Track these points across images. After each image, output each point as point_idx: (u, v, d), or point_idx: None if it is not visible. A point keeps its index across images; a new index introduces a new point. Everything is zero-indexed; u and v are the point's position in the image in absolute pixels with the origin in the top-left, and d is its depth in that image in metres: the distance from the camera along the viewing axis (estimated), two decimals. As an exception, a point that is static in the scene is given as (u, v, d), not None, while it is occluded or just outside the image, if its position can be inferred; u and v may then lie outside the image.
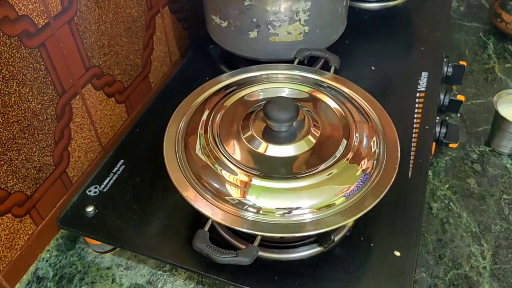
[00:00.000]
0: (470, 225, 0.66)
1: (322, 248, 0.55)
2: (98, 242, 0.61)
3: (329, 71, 0.65)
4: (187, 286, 0.60)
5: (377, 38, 0.86)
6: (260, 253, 0.54)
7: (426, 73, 0.78)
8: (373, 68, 0.80)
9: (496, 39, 0.97)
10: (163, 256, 0.55)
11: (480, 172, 0.73)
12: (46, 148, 0.60)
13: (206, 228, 0.45)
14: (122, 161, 0.66)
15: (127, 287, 0.60)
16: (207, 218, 0.47)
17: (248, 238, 0.55)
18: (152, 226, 0.58)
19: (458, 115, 0.83)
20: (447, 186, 0.71)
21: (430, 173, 0.73)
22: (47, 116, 0.59)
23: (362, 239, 0.56)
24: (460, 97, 0.78)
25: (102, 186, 0.63)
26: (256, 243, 0.44)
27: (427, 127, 0.70)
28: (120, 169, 0.65)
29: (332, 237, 0.53)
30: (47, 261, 0.62)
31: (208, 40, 0.81)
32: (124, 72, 0.73)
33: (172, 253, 0.55)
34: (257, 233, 0.45)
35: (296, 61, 0.66)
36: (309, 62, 0.70)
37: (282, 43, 0.70)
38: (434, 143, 0.71)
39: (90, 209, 0.60)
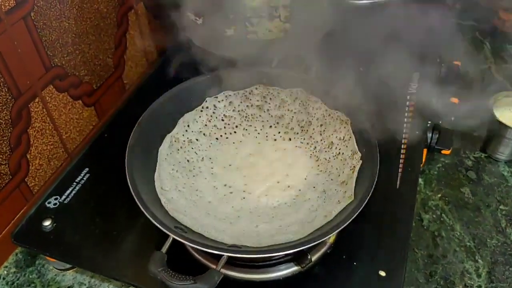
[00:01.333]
0: (464, 238, 0.61)
1: (299, 267, 0.49)
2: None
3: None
4: (155, 307, 0.54)
5: (366, 36, 0.81)
6: (232, 273, 0.49)
7: (418, 73, 0.73)
8: (361, 69, 0.75)
9: (493, 38, 0.92)
10: (126, 278, 0.50)
11: (475, 180, 0.68)
12: (0, 156, 0.55)
13: (164, 249, 0.40)
14: (87, 169, 0.61)
15: (89, 309, 0.55)
16: (167, 236, 0.42)
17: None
18: (115, 243, 0.53)
19: (452, 118, 0.77)
20: (439, 195, 0.66)
21: (421, 181, 0.68)
22: (0, 121, 0.54)
23: (344, 257, 0.51)
24: (454, 100, 0.73)
25: (63, 197, 0.58)
26: (220, 266, 0.39)
27: (417, 132, 0.65)
28: (84, 178, 0.60)
29: (309, 257, 0.48)
30: (4, 278, 0.57)
31: (186, 38, 0.75)
32: (92, 73, 0.68)
33: (136, 274, 0.50)
34: (221, 253, 0.40)
35: (275, 61, 0.61)
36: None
37: (261, 41, 0.65)
38: (425, 150, 0.66)
39: (47, 223, 0.54)
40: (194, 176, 0.56)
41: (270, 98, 0.61)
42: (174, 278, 0.37)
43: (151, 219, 0.42)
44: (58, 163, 0.65)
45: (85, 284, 0.57)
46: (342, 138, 0.56)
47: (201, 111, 0.61)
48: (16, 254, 0.59)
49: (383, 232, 0.53)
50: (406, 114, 0.67)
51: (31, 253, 0.59)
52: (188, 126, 0.59)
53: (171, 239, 0.41)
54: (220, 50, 0.68)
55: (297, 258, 0.49)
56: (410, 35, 0.78)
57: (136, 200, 0.44)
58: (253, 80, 0.61)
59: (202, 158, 0.58)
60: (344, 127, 0.56)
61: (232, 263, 0.48)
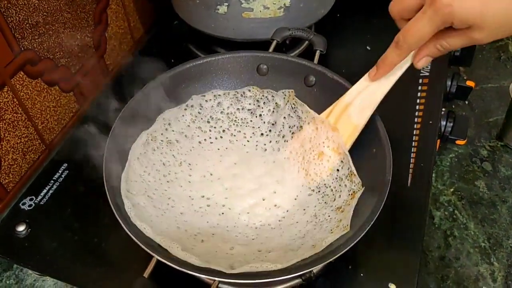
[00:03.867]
0: (478, 238, 0.56)
1: (300, 279, 0.45)
2: (37, 264, 0.51)
3: (313, 56, 0.53)
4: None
5: (374, 12, 0.74)
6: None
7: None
8: (368, 48, 0.68)
9: None
10: (106, 290, 0.45)
11: (491, 172, 0.63)
12: (-35, 154, 0.49)
13: (147, 273, 0.35)
14: (65, 165, 0.56)
15: (70, 319, 0.50)
16: (151, 257, 0.37)
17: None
18: (95, 252, 0.48)
19: (466, 102, 0.71)
20: (452, 190, 0.61)
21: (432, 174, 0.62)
22: (-38, 115, 0.48)
23: (350, 267, 0.46)
24: (470, 83, 0.66)
25: (39, 197, 0.52)
26: (210, 293, 0.34)
27: (431, 122, 0.59)
28: (63, 176, 0.55)
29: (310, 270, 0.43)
30: (-22, 284, 0.53)
31: (175, 15, 0.68)
32: (69, 55, 0.61)
33: (120, 287, 0.45)
34: (213, 278, 0.35)
35: (274, 44, 0.54)
36: (291, 44, 0.58)
37: (258, 20, 0.58)
38: (438, 140, 0.60)
39: (21, 228, 0.49)
40: (168, 182, 0.48)
41: (264, 102, 0.54)
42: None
43: (133, 238, 0.36)
44: (34, 156, 0.59)
45: (66, 292, 0.52)
46: (335, 149, 0.48)
47: (185, 109, 0.53)
48: (-8, 258, 0.55)
49: (393, 239, 0.48)
50: (418, 101, 0.61)
51: (7, 257, 0.54)
52: (169, 124, 0.52)
53: (155, 260, 0.35)
54: (211, 29, 0.61)
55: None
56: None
57: (117, 216, 0.38)
58: (248, 66, 0.53)
59: (180, 163, 0.50)
60: (337, 136, 0.48)
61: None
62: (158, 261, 0.36)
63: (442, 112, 0.61)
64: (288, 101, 0.52)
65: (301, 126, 0.51)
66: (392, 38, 0.42)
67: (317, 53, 0.53)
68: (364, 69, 0.50)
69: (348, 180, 0.46)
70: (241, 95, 0.54)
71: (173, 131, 0.51)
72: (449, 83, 0.66)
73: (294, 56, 0.58)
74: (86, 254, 0.48)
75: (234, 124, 0.54)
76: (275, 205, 0.47)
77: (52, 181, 0.54)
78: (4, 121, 0.53)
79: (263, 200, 0.48)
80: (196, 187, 0.49)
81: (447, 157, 0.65)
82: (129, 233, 0.37)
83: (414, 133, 0.58)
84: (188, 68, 0.53)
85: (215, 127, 0.53)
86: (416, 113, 0.60)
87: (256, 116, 0.54)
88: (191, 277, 0.44)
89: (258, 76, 0.53)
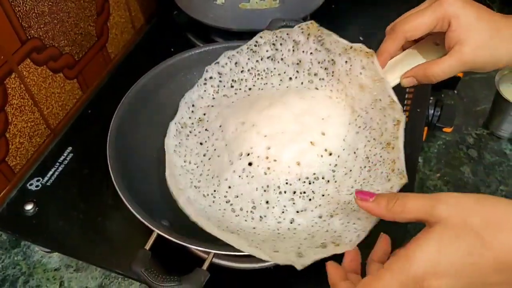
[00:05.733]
0: (461, 221, 0.59)
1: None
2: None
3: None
4: (144, 291, 0.53)
5: (367, 3, 0.76)
6: (222, 262, 0.47)
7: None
8: (361, 38, 0.71)
9: (501, 5, 0.87)
10: (111, 266, 0.48)
11: (476, 159, 0.66)
12: (-24, 137, 0.52)
13: (148, 246, 0.38)
14: (70, 148, 0.58)
15: (76, 292, 0.54)
16: (151, 231, 0.40)
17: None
18: (100, 229, 0.51)
19: (455, 92, 0.74)
20: (438, 175, 0.64)
21: (420, 159, 0.65)
22: (-27, 100, 0.50)
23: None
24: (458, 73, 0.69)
25: (46, 178, 0.55)
26: (206, 265, 0.37)
27: (419, 110, 0.61)
28: (68, 158, 0.57)
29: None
30: (-12, 261, 0.56)
31: (174, 5, 0.70)
32: (73, 43, 0.63)
33: (122, 261, 0.48)
34: (208, 250, 0.38)
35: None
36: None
37: (254, 10, 0.60)
38: (425, 128, 0.63)
39: (29, 207, 0.52)
40: (209, 159, 0.45)
41: (281, 44, 0.49)
42: (158, 279, 0.35)
43: (133, 211, 0.39)
44: (40, 140, 0.62)
45: (72, 267, 0.55)
46: (372, 77, 0.42)
47: (205, 84, 0.52)
48: (1, 235, 0.58)
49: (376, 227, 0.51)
50: (406, 90, 0.63)
51: (15, 235, 0.57)
52: (193, 105, 0.51)
53: (155, 234, 0.38)
54: (210, 19, 0.63)
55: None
56: None
57: (118, 189, 0.41)
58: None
59: (213, 133, 0.47)
60: (372, 63, 0.42)
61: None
62: (158, 235, 0.39)
63: (430, 101, 0.64)
64: (309, 34, 0.47)
65: (332, 60, 0.46)
66: (384, 29, 0.44)
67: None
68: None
69: (390, 108, 0.41)
70: (255, 45, 0.50)
71: (200, 108, 0.51)
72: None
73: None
74: (90, 231, 0.51)
75: (258, 78, 0.50)
76: (325, 150, 0.42)
77: (57, 163, 0.57)
78: (12, 106, 0.56)
79: (312, 144, 0.42)
80: (232, 147, 0.44)
81: (435, 144, 0.67)
82: (130, 207, 0.39)
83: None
84: (188, 57, 0.55)
85: (240, 89, 0.51)
86: (405, 102, 0.63)
87: (278, 62, 0.50)
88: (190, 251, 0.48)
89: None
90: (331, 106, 0.45)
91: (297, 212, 0.40)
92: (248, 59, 0.51)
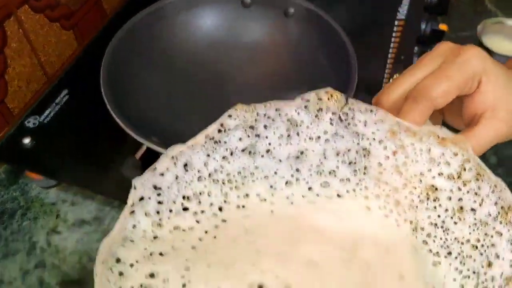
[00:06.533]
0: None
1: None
2: (41, 177, 0.56)
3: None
4: (136, 224, 0.56)
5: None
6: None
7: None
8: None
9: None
10: (107, 192, 0.51)
11: (459, 108, 0.68)
12: (-24, 74, 0.54)
13: (138, 155, 0.40)
14: (66, 90, 0.61)
15: (72, 224, 0.56)
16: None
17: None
18: (94, 158, 0.54)
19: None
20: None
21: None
22: (-27, 37, 0.53)
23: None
24: (443, 27, 0.71)
25: (43, 117, 0.58)
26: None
27: (403, 57, 0.64)
28: (64, 100, 0.60)
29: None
30: (-13, 196, 0.58)
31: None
32: (69, -6, 0.66)
33: (118, 189, 0.50)
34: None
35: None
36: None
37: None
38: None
39: (27, 140, 0.55)
40: None
41: (265, 126, 0.30)
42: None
43: (123, 126, 0.42)
44: (37, 86, 0.64)
45: (67, 201, 0.58)
46: (456, 172, 0.29)
47: (131, 213, 0.28)
48: (-1, 174, 0.60)
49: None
50: (392, 40, 0.66)
51: (14, 172, 0.60)
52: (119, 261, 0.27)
53: (144, 147, 0.41)
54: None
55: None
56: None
57: (108, 104, 0.44)
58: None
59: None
60: (454, 153, 0.29)
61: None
62: (148, 149, 0.42)
63: (415, 51, 0.66)
64: (326, 107, 0.30)
65: (366, 149, 0.30)
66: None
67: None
68: (343, 14, 0.55)
69: (501, 217, 0.27)
70: (219, 131, 0.30)
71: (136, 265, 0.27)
72: (423, 26, 0.71)
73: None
74: (87, 161, 0.53)
75: (230, 188, 0.31)
76: None
77: (54, 104, 0.59)
78: (11, 49, 0.58)
79: None
80: None
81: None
82: (117, 118, 0.42)
83: (387, 67, 0.63)
84: (173, 2, 0.58)
85: (202, 214, 0.30)
86: (390, 50, 0.65)
87: (262, 156, 0.31)
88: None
89: (242, 8, 0.58)
90: (384, 227, 0.29)
91: None
92: (208, 155, 0.30)
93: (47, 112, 0.58)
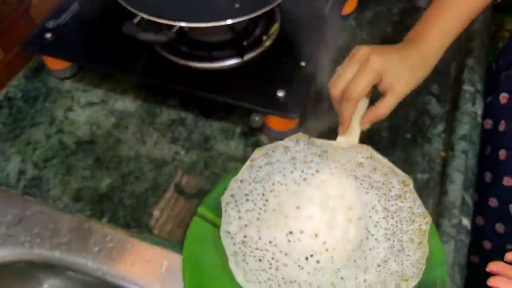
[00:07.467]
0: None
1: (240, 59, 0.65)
2: (60, 66, 0.71)
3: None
4: (135, 103, 0.71)
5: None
6: (192, 63, 0.66)
7: None
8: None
9: None
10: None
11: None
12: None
13: (135, 20, 0.56)
14: (77, 2, 0.76)
15: (84, 104, 0.71)
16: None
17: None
18: (99, 43, 0.70)
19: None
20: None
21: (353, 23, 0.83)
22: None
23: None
24: None
25: (60, 20, 0.73)
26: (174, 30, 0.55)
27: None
28: (75, 8, 0.75)
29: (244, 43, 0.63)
30: (16, 86, 0.73)
31: None
32: None
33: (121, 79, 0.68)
34: (175, 24, 0.56)
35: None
36: None
37: None
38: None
39: (49, 35, 0.70)
40: (276, 269, 0.51)
41: (273, 151, 0.58)
42: (143, 32, 0.54)
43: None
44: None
45: (80, 89, 0.73)
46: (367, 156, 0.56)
47: (225, 211, 0.53)
48: (25, 70, 0.75)
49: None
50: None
51: (37, 68, 0.75)
52: (228, 232, 0.52)
53: (139, 17, 0.56)
54: None
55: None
56: None
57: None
58: None
59: (266, 249, 0.53)
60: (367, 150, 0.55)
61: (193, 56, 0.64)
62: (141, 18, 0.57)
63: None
64: (297, 139, 0.58)
65: (325, 150, 0.57)
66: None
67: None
68: None
69: (392, 173, 0.55)
70: (251, 161, 0.57)
71: (235, 234, 0.52)
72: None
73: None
74: (99, 50, 0.69)
75: (263, 182, 0.56)
76: (359, 218, 0.55)
77: (69, 11, 0.74)
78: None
79: (350, 221, 0.54)
80: (294, 256, 0.52)
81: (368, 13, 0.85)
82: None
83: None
84: None
85: (255, 198, 0.55)
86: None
87: (275, 163, 0.57)
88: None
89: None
90: (340, 182, 0.55)
91: (364, 272, 0.50)
92: (249, 171, 0.55)
93: (63, 16, 0.73)
